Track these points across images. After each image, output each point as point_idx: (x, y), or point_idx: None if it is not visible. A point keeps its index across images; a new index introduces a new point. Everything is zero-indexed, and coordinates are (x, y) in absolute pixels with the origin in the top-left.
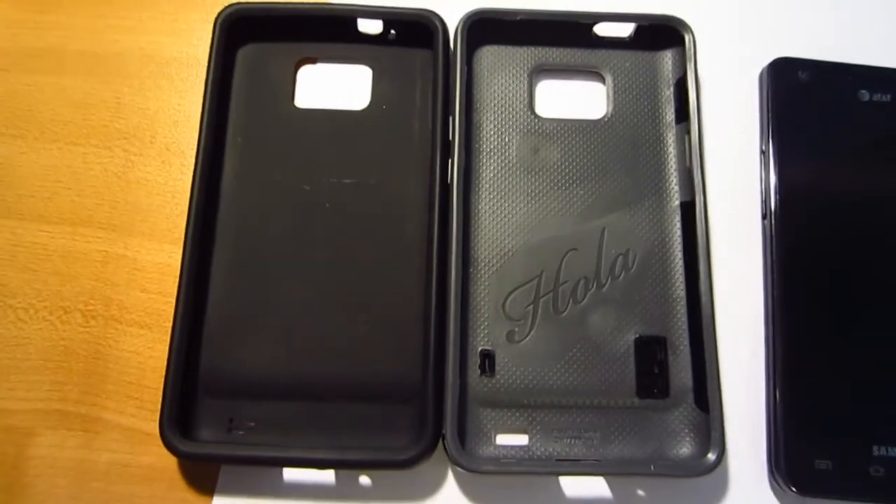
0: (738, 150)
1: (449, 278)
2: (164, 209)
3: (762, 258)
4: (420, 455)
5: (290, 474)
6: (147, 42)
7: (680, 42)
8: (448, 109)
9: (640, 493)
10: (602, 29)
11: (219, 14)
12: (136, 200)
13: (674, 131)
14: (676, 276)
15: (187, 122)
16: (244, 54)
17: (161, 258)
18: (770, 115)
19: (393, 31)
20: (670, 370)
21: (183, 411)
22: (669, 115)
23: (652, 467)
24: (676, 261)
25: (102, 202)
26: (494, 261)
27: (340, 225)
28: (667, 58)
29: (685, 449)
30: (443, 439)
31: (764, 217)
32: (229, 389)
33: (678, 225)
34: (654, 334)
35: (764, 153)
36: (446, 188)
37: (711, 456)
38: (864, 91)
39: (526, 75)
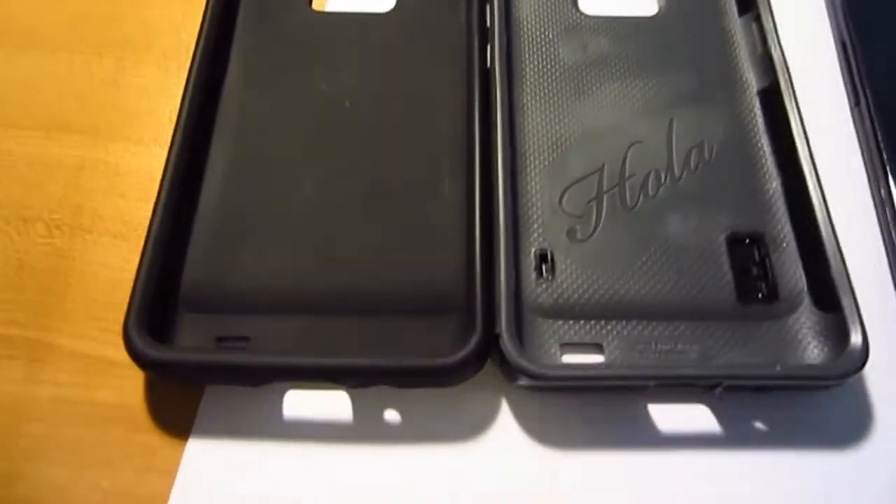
0: (813, 38)
1: (494, 169)
2: (155, 113)
3: (859, 147)
4: (468, 360)
5: (293, 406)
6: None
7: None
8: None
9: (758, 424)
10: None
11: None
12: (125, 105)
13: (739, 23)
14: (766, 167)
15: (192, 29)
16: None
17: (147, 163)
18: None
19: None
20: (776, 270)
21: (156, 318)
22: (731, 7)
23: (778, 367)
24: (763, 150)
25: (85, 107)
26: (545, 154)
27: (362, 122)
28: None
29: (811, 356)
30: (497, 340)
31: (856, 104)
32: (218, 302)
33: (759, 114)
34: (749, 230)
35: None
36: (486, 74)
37: (853, 355)
38: None
39: None
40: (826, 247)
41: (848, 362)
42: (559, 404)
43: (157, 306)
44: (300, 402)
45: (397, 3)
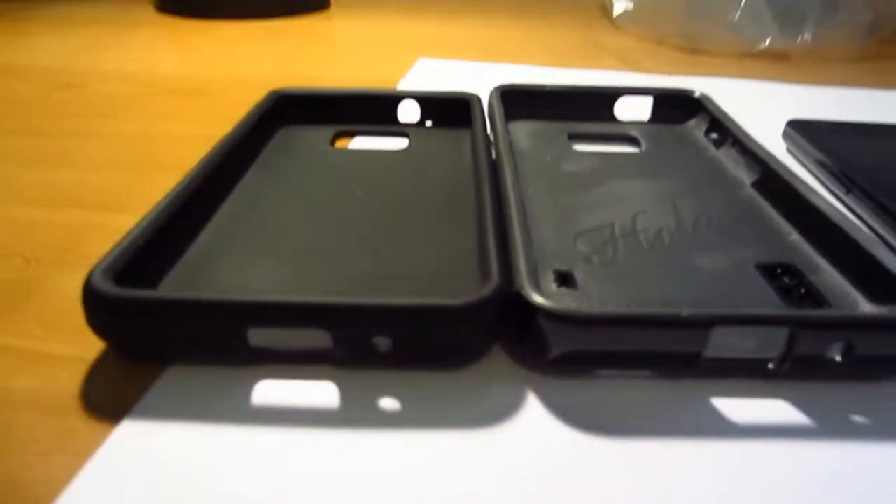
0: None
1: (508, 217)
2: None
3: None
4: (484, 307)
5: (266, 394)
6: None
7: (699, 110)
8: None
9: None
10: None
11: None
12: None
13: (719, 153)
14: (779, 225)
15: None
16: (283, 132)
17: None
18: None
19: (429, 122)
20: (817, 286)
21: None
22: (707, 144)
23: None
24: (772, 216)
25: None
26: (555, 217)
27: (374, 201)
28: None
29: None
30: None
31: (848, 192)
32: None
33: (758, 194)
34: (778, 261)
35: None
36: (494, 169)
37: None
38: None
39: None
40: (865, 246)
41: None
42: (596, 390)
43: (134, 274)
44: (274, 391)
45: (409, 144)
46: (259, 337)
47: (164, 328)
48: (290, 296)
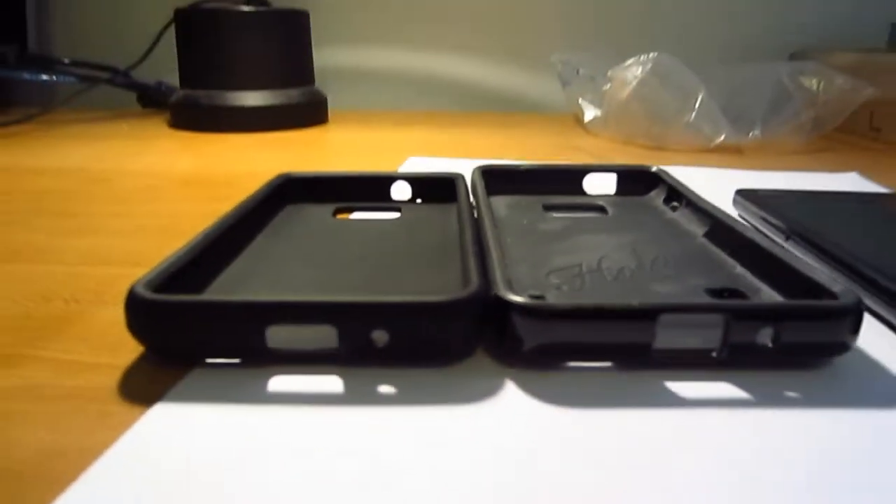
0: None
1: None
2: None
3: None
4: (468, 304)
5: (281, 385)
6: None
7: (658, 182)
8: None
9: (775, 390)
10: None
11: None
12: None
13: (674, 214)
14: (726, 261)
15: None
16: (289, 209)
17: None
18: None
19: (419, 199)
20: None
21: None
22: (664, 208)
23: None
24: (720, 255)
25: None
26: (528, 259)
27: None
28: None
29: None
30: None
31: (787, 238)
32: None
33: (709, 242)
34: (724, 286)
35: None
36: (475, 221)
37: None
38: None
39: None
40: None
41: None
42: (565, 378)
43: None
44: (287, 382)
45: (401, 214)
46: (276, 337)
47: (194, 328)
48: (303, 296)
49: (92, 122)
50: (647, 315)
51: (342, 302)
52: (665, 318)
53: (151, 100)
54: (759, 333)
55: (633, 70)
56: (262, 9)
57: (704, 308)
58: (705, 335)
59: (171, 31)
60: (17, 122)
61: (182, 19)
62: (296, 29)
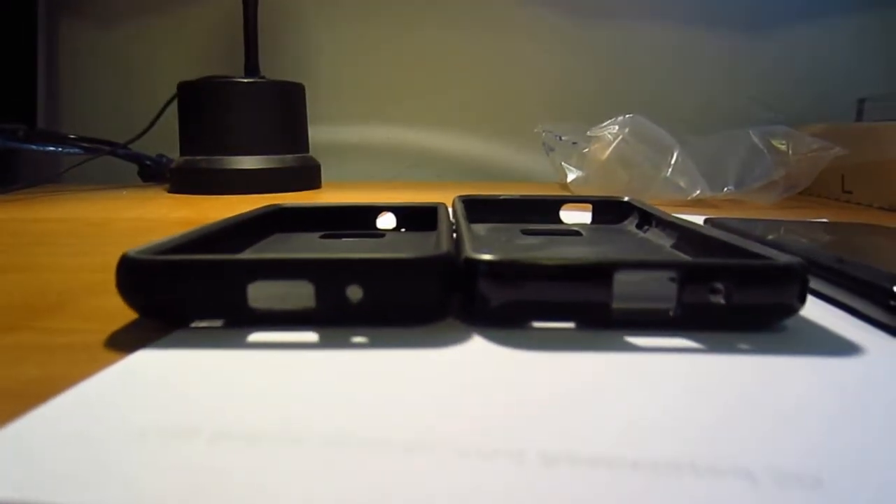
0: None
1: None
2: None
3: None
4: (438, 263)
5: (262, 333)
6: None
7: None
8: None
9: (731, 339)
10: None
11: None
12: None
13: (644, 234)
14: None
15: None
16: (277, 235)
17: None
18: None
19: (403, 228)
20: None
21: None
22: (634, 230)
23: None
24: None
25: None
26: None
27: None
28: (625, 223)
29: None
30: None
31: None
32: None
33: (674, 250)
34: None
35: None
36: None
37: None
38: None
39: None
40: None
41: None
42: (530, 334)
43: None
44: (268, 336)
45: (386, 237)
46: (257, 295)
47: (179, 286)
48: (282, 255)
49: (94, 191)
50: (605, 271)
51: (318, 258)
52: (621, 274)
53: (152, 173)
54: (711, 291)
55: (612, 129)
56: (260, 80)
57: (659, 265)
58: (660, 293)
59: (173, 107)
60: (24, 187)
61: (185, 91)
62: (292, 99)
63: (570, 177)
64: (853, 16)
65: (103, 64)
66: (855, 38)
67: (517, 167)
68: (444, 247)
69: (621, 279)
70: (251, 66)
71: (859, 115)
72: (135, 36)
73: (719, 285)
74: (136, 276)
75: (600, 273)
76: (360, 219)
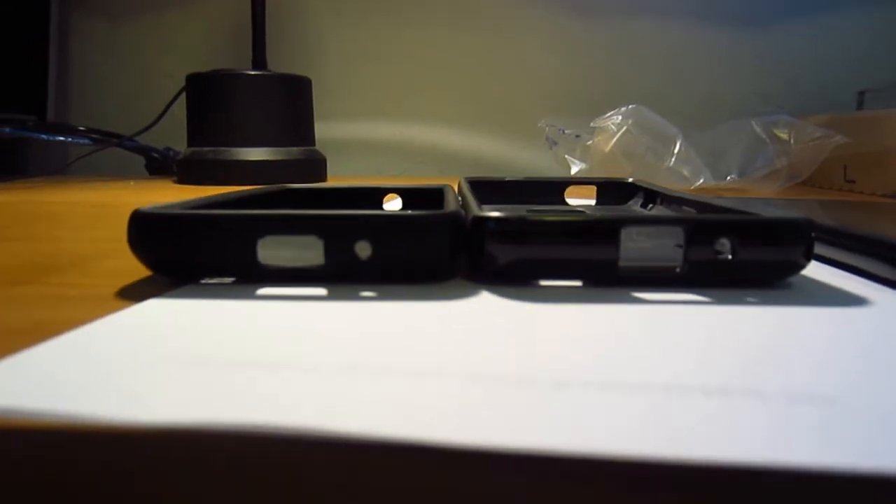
0: None
1: None
2: None
3: None
4: (446, 221)
5: (271, 287)
6: None
7: (636, 191)
8: None
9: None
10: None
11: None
12: None
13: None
14: None
15: None
16: None
17: None
18: None
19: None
20: None
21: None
22: (638, 207)
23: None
24: None
25: None
26: None
27: None
28: (630, 203)
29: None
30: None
31: None
32: None
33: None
34: None
35: None
36: None
37: None
38: None
39: None
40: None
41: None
42: (537, 290)
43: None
44: (277, 290)
45: None
46: (266, 252)
47: (189, 241)
48: (292, 210)
49: (101, 181)
50: (611, 228)
51: (328, 214)
52: (627, 230)
53: (159, 166)
54: (718, 247)
55: (615, 119)
56: (268, 72)
57: (665, 220)
58: (667, 250)
59: (181, 102)
60: (33, 177)
61: (193, 83)
62: (299, 92)
63: (574, 169)
64: (854, 8)
65: (113, 57)
66: (856, 31)
67: (521, 163)
68: (453, 207)
69: (628, 233)
70: (258, 61)
71: (860, 107)
72: (144, 30)
73: (725, 240)
74: (147, 230)
75: (607, 230)
76: (365, 200)
